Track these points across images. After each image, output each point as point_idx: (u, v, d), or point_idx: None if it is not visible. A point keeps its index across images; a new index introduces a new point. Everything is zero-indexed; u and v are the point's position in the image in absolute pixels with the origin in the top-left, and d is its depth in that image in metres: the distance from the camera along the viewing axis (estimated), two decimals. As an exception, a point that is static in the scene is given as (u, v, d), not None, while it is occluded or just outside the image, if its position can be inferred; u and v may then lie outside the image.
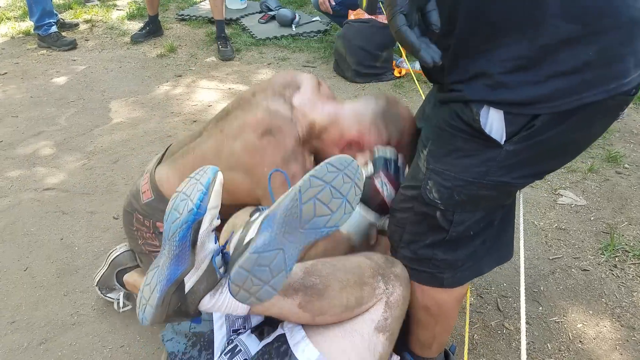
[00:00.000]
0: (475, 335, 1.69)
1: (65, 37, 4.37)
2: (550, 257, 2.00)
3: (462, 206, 1.05)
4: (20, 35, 4.59)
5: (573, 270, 1.94)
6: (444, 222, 1.08)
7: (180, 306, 1.01)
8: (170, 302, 0.98)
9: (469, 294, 1.37)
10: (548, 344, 1.65)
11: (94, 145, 2.93)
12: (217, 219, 1.05)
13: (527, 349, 1.62)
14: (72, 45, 4.31)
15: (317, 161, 1.39)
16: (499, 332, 1.70)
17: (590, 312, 1.75)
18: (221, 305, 1.06)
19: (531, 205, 2.30)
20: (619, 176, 2.49)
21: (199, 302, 1.03)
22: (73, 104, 3.47)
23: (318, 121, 1.38)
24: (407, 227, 1.16)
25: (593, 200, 2.32)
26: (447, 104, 1.01)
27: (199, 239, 1.00)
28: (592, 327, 1.70)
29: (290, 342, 1.11)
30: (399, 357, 1.28)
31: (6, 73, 3.92)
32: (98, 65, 4.07)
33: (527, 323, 1.72)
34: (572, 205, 2.29)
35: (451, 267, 1.17)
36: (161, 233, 1.45)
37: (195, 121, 3.21)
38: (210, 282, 1.03)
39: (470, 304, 1.81)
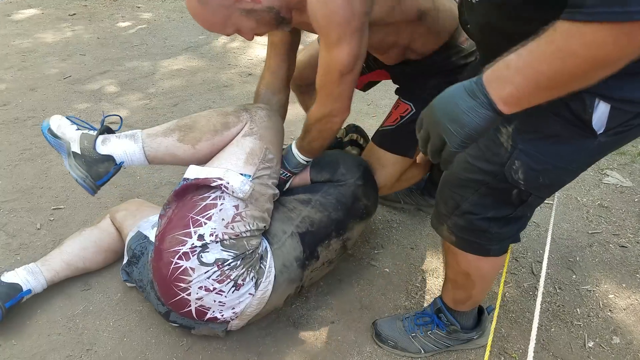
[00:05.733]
0: (507, 293, 1.76)
1: (131, -16, 4.53)
2: (590, 231, 2.04)
3: (541, 190, 1.07)
4: (89, -21, 4.77)
5: (611, 245, 1.97)
6: (517, 201, 1.10)
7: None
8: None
9: (508, 256, 1.43)
10: (577, 309, 1.70)
11: (155, 87, 3.08)
12: None
13: (556, 312, 1.69)
14: (137, -7, 4.48)
15: None
16: (531, 293, 1.76)
17: (624, 285, 1.79)
18: (117, 149, 1.42)
19: (576, 182, 2.32)
20: (669, 163, 2.48)
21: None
22: (136, 48, 3.63)
23: None
24: (470, 198, 1.15)
25: (639, 183, 2.32)
26: None
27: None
28: (624, 299, 1.74)
29: (185, 175, 1.41)
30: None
31: (75, 14, 4.12)
32: (161, 14, 4.21)
33: (559, 288, 1.78)
34: (617, 186, 2.30)
35: (500, 240, 1.21)
36: None
37: (250, 74, 3.32)
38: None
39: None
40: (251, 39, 1.36)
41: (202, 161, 1.45)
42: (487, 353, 1.14)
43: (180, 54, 3.58)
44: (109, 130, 1.49)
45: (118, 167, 1.44)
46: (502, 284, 1.32)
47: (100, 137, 1.44)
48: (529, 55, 0.75)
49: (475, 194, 1.14)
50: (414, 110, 1.66)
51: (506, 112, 0.80)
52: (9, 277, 1.55)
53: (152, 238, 1.52)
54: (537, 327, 1.60)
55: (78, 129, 1.47)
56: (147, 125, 2.64)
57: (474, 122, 0.81)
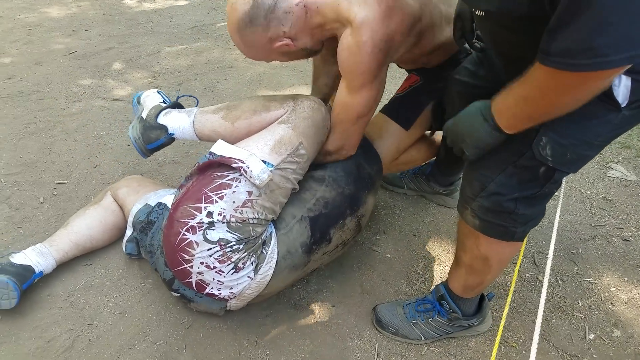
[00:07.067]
0: (509, 283, 1.76)
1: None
2: (593, 224, 2.03)
3: (568, 165, 1.07)
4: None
5: (614, 238, 1.97)
6: (543, 179, 1.10)
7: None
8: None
9: (524, 246, 1.42)
10: (579, 301, 1.70)
11: (160, 66, 3.05)
12: None
13: (558, 303, 1.69)
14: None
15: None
16: (532, 283, 1.76)
17: (626, 279, 1.79)
18: (172, 122, 1.53)
19: (580, 174, 2.31)
20: (676, 159, 2.47)
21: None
22: (142, 25, 3.59)
23: None
24: (497, 178, 1.15)
25: (645, 178, 2.31)
26: None
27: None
28: (625, 292, 1.74)
29: (211, 149, 1.43)
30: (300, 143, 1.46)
31: (81, -11, 4.08)
32: (167, -8, 4.17)
33: (561, 280, 1.78)
34: (622, 180, 2.29)
35: (525, 222, 1.20)
36: None
37: (256, 56, 3.29)
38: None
39: (507, 255, 1.87)
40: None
41: (239, 139, 1.45)
42: (497, 343, 1.13)
43: (185, 33, 3.54)
44: (180, 107, 1.60)
45: (169, 136, 1.53)
46: (515, 273, 1.32)
47: (166, 110, 1.56)
48: (516, 98, 0.98)
49: (501, 174, 1.14)
50: (422, 80, 1.74)
51: (510, 132, 1.03)
52: (20, 259, 1.54)
53: (169, 205, 1.52)
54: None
55: (162, 102, 1.62)
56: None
57: (484, 138, 1.08)
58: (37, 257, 1.56)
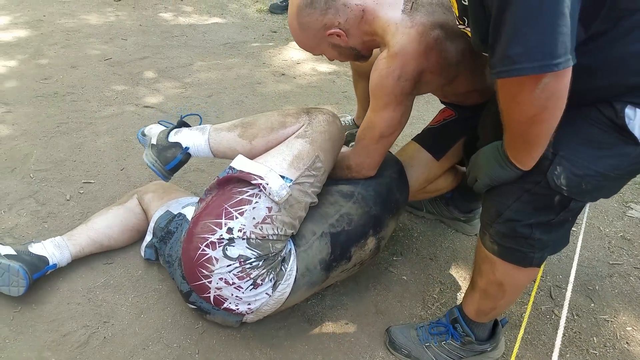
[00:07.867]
0: (524, 314, 1.75)
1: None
2: (611, 262, 2.02)
3: (584, 195, 1.09)
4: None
5: (631, 278, 1.95)
6: (558, 207, 1.12)
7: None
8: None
9: (539, 277, 1.42)
10: (594, 338, 1.68)
11: (191, 78, 3.13)
12: None
13: (572, 339, 1.67)
14: (182, -14, 4.55)
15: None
16: (548, 316, 1.75)
17: (643, 319, 1.77)
18: (185, 138, 1.53)
19: (599, 212, 2.30)
20: (699, 204, 2.44)
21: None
22: (176, 38, 3.70)
23: None
24: (513, 205, 1.16)
25: (666, 220, 2.29)
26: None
27: None
28: (642, 333, 1.72)
29: (231, 164, 1.45)
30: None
31: (120, 0, 4.21)
32: (202, 9, 4.29)
33: (576, 315, 1.76)
34: (643, 220, 2.28)
35: (543, 247, 1.20)
36: None
37: (283, 74, 3.36)
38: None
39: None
40: (332, 60, 1.56)
41: (257, 156, 1.46)
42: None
43: (217, 48, 3.63)
44: (186, 126, 1.62)
45: (184, 152, 1.53)
46: (530, 302, 1.32)
47: (175, 130, 1.57)
48: (506, 131, 1.05)
49: (517, 201, 1.15)
50: (456, 115, 1.78)
51: (518, 165, 1.08)
52: (37, 249, 1.58)
53: (189, 217, 1.54)
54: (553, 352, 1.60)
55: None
56: (182, 113, 2.69)
57: (497, 169, 1.14)
58: (54, 249, 1.60)
